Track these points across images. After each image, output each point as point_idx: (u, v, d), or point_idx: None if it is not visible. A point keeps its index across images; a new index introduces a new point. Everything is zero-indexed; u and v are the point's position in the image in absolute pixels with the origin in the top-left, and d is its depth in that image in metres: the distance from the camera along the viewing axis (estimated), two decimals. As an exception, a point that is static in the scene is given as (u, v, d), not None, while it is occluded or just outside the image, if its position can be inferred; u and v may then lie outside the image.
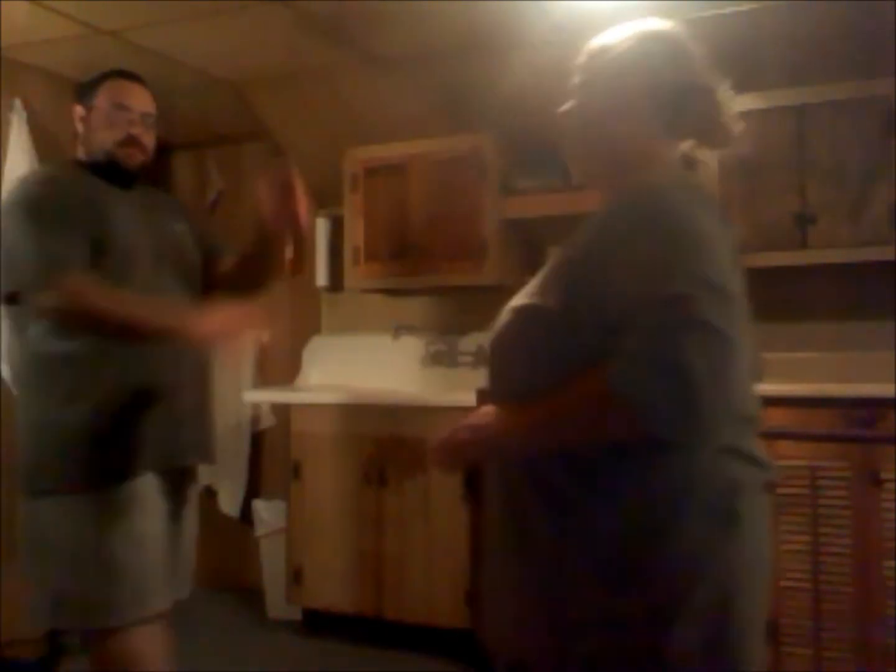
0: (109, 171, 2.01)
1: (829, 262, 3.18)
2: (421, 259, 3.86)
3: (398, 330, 4.18)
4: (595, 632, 1.22)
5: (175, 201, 2.35)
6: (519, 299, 1.35)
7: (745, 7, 3.09)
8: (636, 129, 1.36)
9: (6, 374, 3.44)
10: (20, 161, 3.49)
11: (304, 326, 4.42)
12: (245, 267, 2.15)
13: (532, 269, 4.48)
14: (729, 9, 3.08)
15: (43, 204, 1.90)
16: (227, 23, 3.20)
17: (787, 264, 3.20)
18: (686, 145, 1.38)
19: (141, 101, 2.06)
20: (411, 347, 4.19)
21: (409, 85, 3.55)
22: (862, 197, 3.13)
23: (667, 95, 1.34)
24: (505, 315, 1.36)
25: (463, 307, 4.13)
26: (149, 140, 2.07)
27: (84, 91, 2.08)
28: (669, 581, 1.18)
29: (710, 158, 1.40)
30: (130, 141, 2.01)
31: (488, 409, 1.33)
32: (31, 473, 1.92)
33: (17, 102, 3.54)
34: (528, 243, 3.96)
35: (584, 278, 1.23)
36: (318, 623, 3.66)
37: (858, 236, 3.14)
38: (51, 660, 3.22)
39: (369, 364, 4.25)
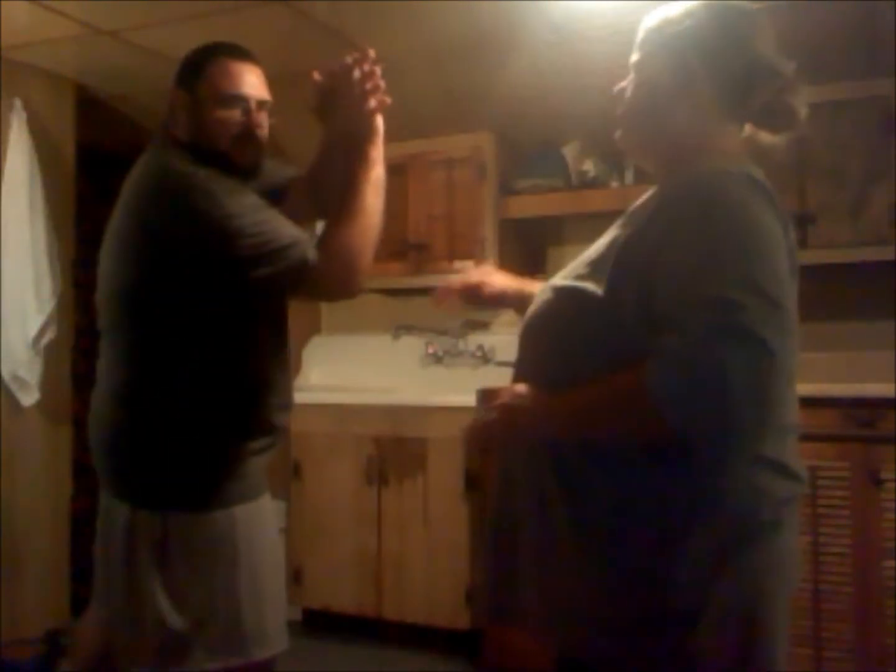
0: (223, 168, 1.72)
1: (829, 262, 3.18)
2: (421, 259, 3.86)
3: (398, 330, 4.18)
4: (615, 633, 1.20)
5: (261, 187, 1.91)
6: (561, 278, 1.31)
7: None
8: (695, 111, 1.28)
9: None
10: (20, 161, 3.49)
11: (304, 326, 4.41)
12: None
13: (532, 269, 4.46)
14: (729, 9, 3.08)
15: (234, 192, 1.66)
16: (227, 23, 3.19)
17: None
18: (748, 129, 1.30)
19: (255, 85, 1.75)
20: (411, 347, 4.19)
21: (409, 85, 3.55)
22: (862, 197, 3.13)
23: (730, 75, 1.25)
24: (544, 293, 1.31)
25: (463, 307, 4.12)
26: (264, 133, 1.78)
27: (186, 73, 1.77)
28: (687, 587, 1.16)
29: (773, 142, 1.30)
30: (246, 138, 1.73)
31: (522, 389, 1.27)
32: (195, 484, 1.71)
33: (17, 102, 3.53)
34: (528, 243, 3.96)
35: (633, 267, 1.18)
36: (318, 623, 3.67)
37: (858, 236, 3.14)
38: (51, 660, 3.22)
39: (369, 364, 4.25)
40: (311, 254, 1.63)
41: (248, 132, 1.74)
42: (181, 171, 1.67)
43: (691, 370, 1.06)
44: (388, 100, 1.75)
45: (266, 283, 1.63)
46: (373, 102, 1.72)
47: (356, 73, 1.71)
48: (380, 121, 1.75)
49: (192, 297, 1.67)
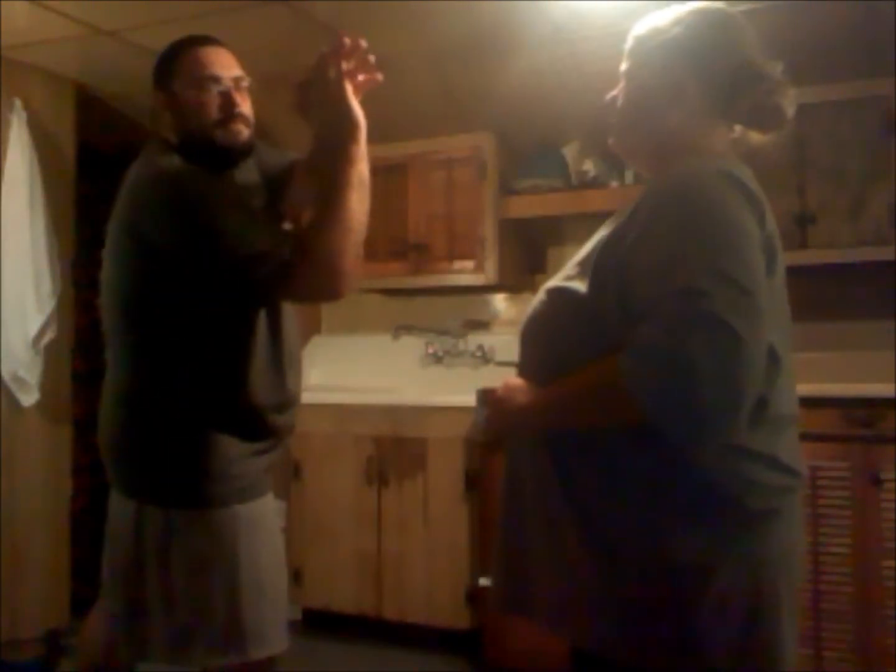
0: (215, 156, 1.75)
1: (829, 262, 3.18)
2: (421, 259, 3.86)
3: (398, 330, 4.18)
4: (619, 620, 1.21)
5: (257, 169, 1.95)
6: (555, 280, 1.35)
7: (745, 7, 3.09)
8: (685, 115, 1.32)
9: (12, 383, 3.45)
10: (20, 161, 3.49)
11: (304, 326, 4.41)
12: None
13: (532, 269, 4.44)
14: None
15: (219, 192, 1.69)
16: (227, 23, 3.19)
17: (786, 264, 3.19)
18: (738, 130, 1.34)
19: (226, 65, 1.78)
20: (411, 347, 4.19)
21: (409, 85, 3.55)
22: (862, 197, 3.13)
23: (719, 80, 1.29)
24: (539, 295, 1.36)
25: (463, 307, 4.13)
26: (247, 110, 1.79)
27: (160, 74, 1.81)
28: (685, 575, 1.18)
29: (763, 142, 1.34)
30: (229, 117, 1.75)
31: (516, 383, 1.33)
32: (191, 484, 1.73)
33: (17, 102, 3.53)
34: (528, 243, 3.96)
35: (613, 264, 1.22)
36: (317, 623, 3.67)
37: (858, 236, 3.14)
38: (51, 660, 3.22)
39: (369, 364, 4.25)
40: (289, 257, 1.62)
41: (229, 111, 1.75)
42: (167, 172, 1.68)
43: (659, 357, 1.09)
44: (380, 76, 1.72)
45: (246, 286, 1.63)
46: (350, 87, 1.67)
47: (330, 63, 1.67)
48: (360, 115, 1.69)
49: (182, 299, 1.68)
